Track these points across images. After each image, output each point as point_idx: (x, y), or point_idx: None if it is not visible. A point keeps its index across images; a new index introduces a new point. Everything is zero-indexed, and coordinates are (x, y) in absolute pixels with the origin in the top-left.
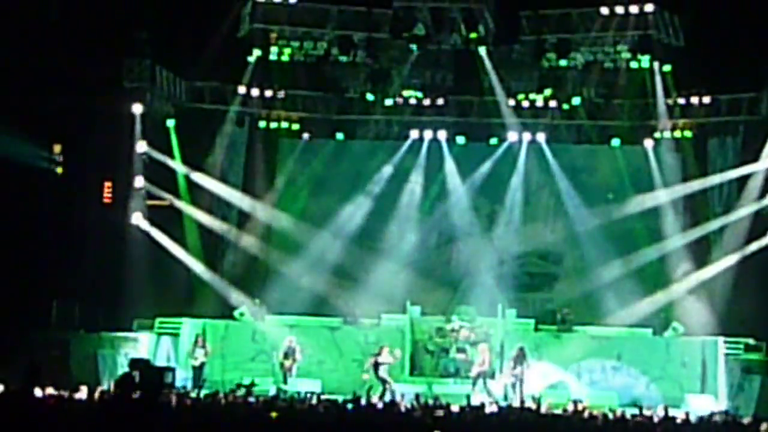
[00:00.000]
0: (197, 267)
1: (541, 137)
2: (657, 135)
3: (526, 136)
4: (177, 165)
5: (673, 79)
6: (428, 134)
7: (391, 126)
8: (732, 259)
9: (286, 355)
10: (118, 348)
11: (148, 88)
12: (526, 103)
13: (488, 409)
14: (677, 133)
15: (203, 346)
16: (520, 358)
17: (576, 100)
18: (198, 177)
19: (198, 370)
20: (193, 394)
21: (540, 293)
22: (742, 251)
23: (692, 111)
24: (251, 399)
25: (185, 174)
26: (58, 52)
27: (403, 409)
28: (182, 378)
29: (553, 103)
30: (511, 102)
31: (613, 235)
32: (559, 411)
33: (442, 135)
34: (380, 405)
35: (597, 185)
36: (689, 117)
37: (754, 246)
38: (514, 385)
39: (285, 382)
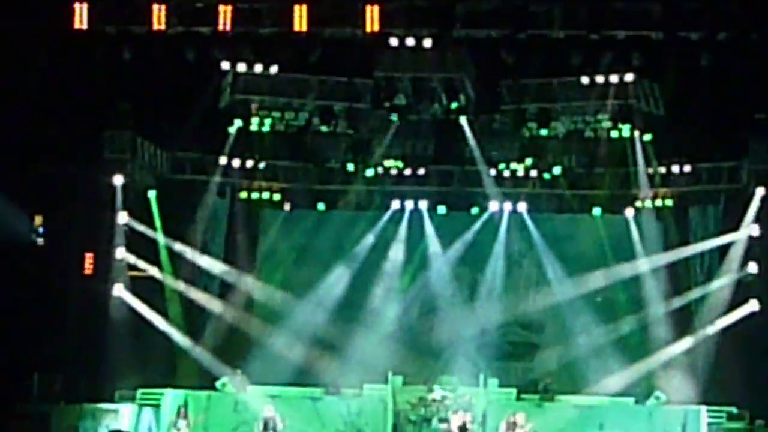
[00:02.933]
0: (179, 338)
1: (522, 206)
2: (638, 204)
3: (507, 206)
4: (158, 236)
5: (654, 148)
6: (409, 204)
7: (372, 196)
8: (714, 328)
9: (265, 426)
10: (99, 420)
11: (129, 159)
12: (507, 173)
13: None
14: (658, 202)
15: (185, 417)
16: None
17: (557, 170)
18: (179, 248)
19: None
20: None
21: (522, 362)
22: (724, 320)
23: (673, 180)
24: None
25: (166, 245)
26: (39, 122)
27: None
28: None
29: (534, 173)
30: (492, 171)
31: (594, 304)
32: None
33: (423, 205)
34: None
35: (578, 254)
36: (670, 186)
37: (736, 315)
38: None
39: None
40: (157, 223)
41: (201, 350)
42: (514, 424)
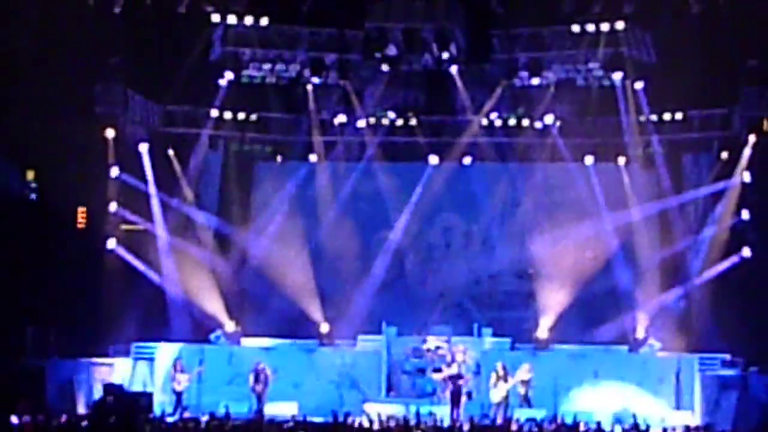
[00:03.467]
0: (172, 291)
1: (514, 156)
2: (630, 152)
3: (499, 155)
4: (151, 189)
5: (646, 96)
6: (402, 155)
7: (364, 147)
8: (707, 276)
9: (256, 379)
10: (94, 374)
11: (121, 113)
12: (499, 122)
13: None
14: (650, 150)
15: (183, 371)
16: (503, 374)
17: (549, 119)
18: (172, 201)
19: (181, 395)
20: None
21: (516, 312)
22: (716, 268)
23: (665, 128)
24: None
25: (159, 198)
26: (30, 78)
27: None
28: (159, 403)
29: (525, 122)
30: (484, 121)
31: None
32: None
33: (415, 155)
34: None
35: (571, 203)
36: (662, 134)
37: (730, 262)
38: (499, 404)
39: (258, 406)
40: (149, 176)
41: (195, 303)
42: (503, 372)
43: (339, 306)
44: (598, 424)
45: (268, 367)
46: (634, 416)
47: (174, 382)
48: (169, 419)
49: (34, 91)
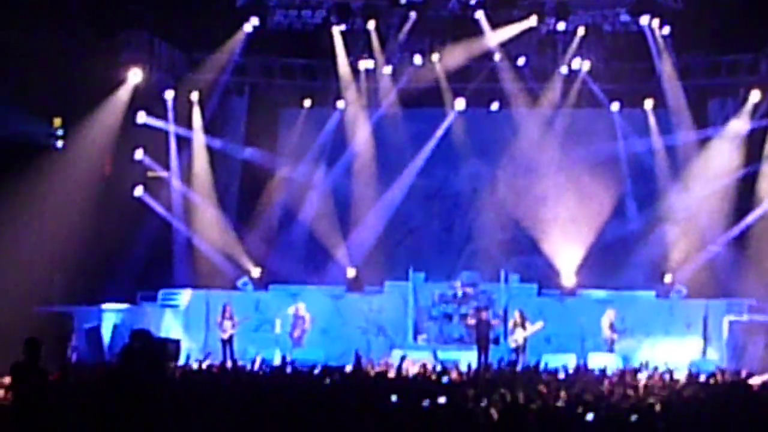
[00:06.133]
0: (197, 239)
1: (541, 102)
2: (657, 97)
3: (527, 101)
4: (172, 137)
5: (673, 41)
6: (427, 100)
7: (389, 92)
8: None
9: (294, 325)
10: (122, 321)
11: (146, 59)
12: (525, 69)
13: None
14: (677, 95)
15: (230, 318)
16: (520, 321)
17: (575, 64)
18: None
19: (227, 343)
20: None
21: (543, 257)
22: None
23: (692, 73)
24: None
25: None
26: (54, 26)
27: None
28: (187, 349)
29: (552, 67)
30: (511, 67)
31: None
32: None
33: (441, 101)
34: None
35: (597, 150)
36: (689, 79)
37: (759, 210)
38: (516, 350)
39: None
40: (171, 126)
41: (220, 251)
42: (521, 320)
43: (365, 252)
44: (623, 368)
45: (307, 312)
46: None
47: (220, 329)
48: (196, 365)
49: (58, 39)
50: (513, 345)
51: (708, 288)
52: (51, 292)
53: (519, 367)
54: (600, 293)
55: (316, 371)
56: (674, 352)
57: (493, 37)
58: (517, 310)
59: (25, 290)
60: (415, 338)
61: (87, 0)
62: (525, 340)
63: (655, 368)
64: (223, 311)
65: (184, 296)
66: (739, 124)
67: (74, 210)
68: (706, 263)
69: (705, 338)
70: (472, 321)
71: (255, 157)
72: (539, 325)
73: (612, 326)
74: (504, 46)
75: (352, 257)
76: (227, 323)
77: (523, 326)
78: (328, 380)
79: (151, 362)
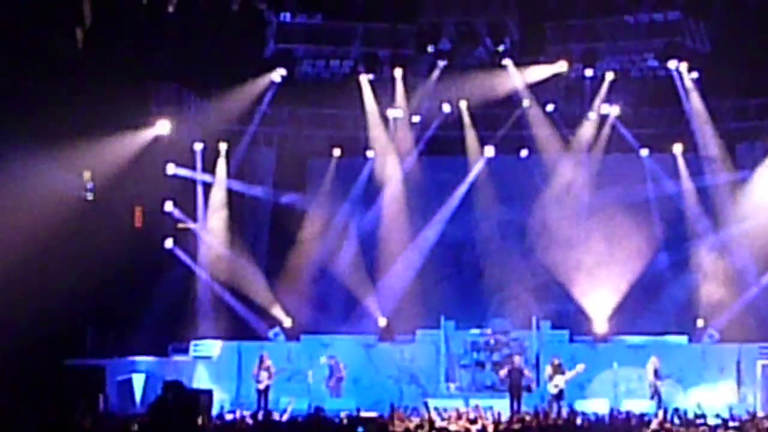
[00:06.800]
0: (226, 292)
1: (571, 147)
2: (686, 141)
3: (556, 146)
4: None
5: (701, 85)
6: (456, 148)
7: (418, 141)
8: None
9: (330, 375)
10: (153, 372)
11: (175, 111)
12: (554, 114)
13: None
14: (707, 138)
15: (267, 369)
16: (557, 369)
17: (604, 109)
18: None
19: (262, 394)
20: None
21: (575, 303)
22: None
23: (720, 116)
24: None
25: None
26: (85, 79)
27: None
28: (219, 401)
29: (581, 113)
30: (540, 113)
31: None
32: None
33: (470, 148)
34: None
35: (627, 194)
36: (717, 122)
37: None
38: (555, 396)
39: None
40: (201, 176)
41: (246, 305)
42: (558, 366)
43: (396, 300)
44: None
45: (340, 362)
46: (698, 405)
47: (256, 380)
48: (228, 416)
49: (89, 92)
50: (554, 390)
51: (741, 332)
52: (82, 345)
53: (556, 413)
54: (633, 339)
55: (346, 421)
56: (708, 397)
57: (522, 82)
58: (555, 357)
59: (56, 342)
60: (447, 386)
61: (117, 52)
62: (565, 384)
63: (698, 415)
64: (260, 362)
65: (216, 347)
66: None
67: (105, 263)
68: (739, 307)
69: (739, 383)
70: (504, 371)
71: (291, 200)
72: (580, 367)
73: (656, 372)
74: (533, 92)
75: (382, 306)
76: (264, 374)
77: (562, 372)
78: (360, 430)
79: (183, 414)
